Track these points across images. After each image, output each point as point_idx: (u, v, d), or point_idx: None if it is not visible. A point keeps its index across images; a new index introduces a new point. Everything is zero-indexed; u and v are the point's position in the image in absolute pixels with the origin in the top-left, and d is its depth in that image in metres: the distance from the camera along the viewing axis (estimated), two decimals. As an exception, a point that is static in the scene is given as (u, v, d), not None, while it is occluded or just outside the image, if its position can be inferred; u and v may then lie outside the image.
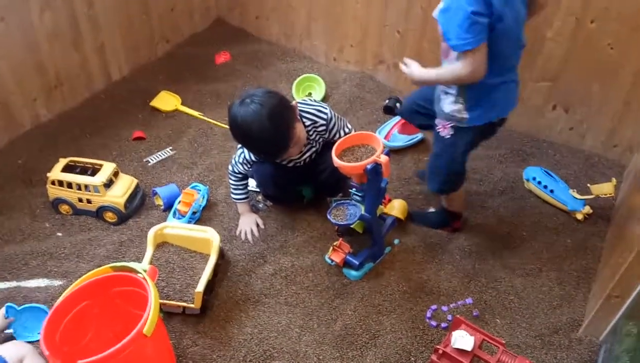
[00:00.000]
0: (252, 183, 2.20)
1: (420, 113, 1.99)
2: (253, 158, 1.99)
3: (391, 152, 2.27)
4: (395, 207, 2.08)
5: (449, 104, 1.74)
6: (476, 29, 1.53)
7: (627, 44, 2.08)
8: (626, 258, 1.55)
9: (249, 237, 2.07)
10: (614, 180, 2.10)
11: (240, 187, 2.09)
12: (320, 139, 2.02)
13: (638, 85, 2.15)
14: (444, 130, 1.80)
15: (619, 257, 1.67)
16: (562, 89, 2.33)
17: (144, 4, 2.80)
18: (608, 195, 2.09)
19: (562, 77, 2.30)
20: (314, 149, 2.03)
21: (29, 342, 1.69)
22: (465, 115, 1.73)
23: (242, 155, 2.00)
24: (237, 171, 2.04)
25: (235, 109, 1.78)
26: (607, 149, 2.38)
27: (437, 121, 1.83)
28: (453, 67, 1.63)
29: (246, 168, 2.02)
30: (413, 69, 1.75)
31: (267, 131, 1.75)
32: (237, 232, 2.10)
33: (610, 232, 2.08)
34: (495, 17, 1.55)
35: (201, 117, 2.63)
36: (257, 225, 2.10)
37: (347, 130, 2.02)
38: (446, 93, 1.74)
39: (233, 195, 2.11)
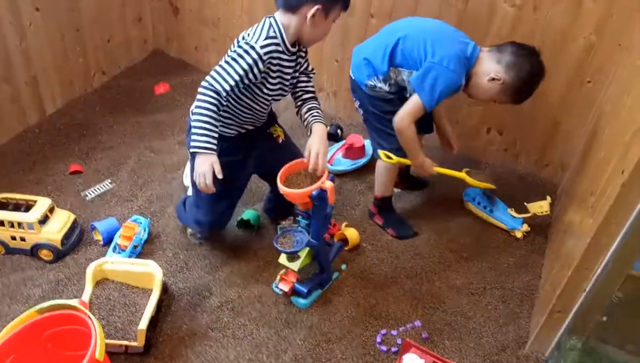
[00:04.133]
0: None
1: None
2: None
3: (335, 176, 2.30)
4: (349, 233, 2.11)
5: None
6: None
7: (551, 67, 2.17)
8: (565, 274, 1.60)
9: (208, 181, 1.67)
10: (548, 197, 2.18)
11: (215, 123, 1.66)
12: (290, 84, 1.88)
13: (564, 105, 2.27)
14: None
15: (558, 273, 1.73)
16: (493, 112, 2.42)
17: (79, 36, 2.73)
18: (544, 213, 2.17)
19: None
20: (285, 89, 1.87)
21: None
22: None
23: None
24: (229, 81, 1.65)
25: None
26: (540, 168, 2.49)
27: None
28: None
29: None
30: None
31: None
32: (195, 176, 1.70)
33: (549, 248, 2.15)
34: None
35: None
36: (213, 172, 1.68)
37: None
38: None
39: (199, 138, 1.64)
